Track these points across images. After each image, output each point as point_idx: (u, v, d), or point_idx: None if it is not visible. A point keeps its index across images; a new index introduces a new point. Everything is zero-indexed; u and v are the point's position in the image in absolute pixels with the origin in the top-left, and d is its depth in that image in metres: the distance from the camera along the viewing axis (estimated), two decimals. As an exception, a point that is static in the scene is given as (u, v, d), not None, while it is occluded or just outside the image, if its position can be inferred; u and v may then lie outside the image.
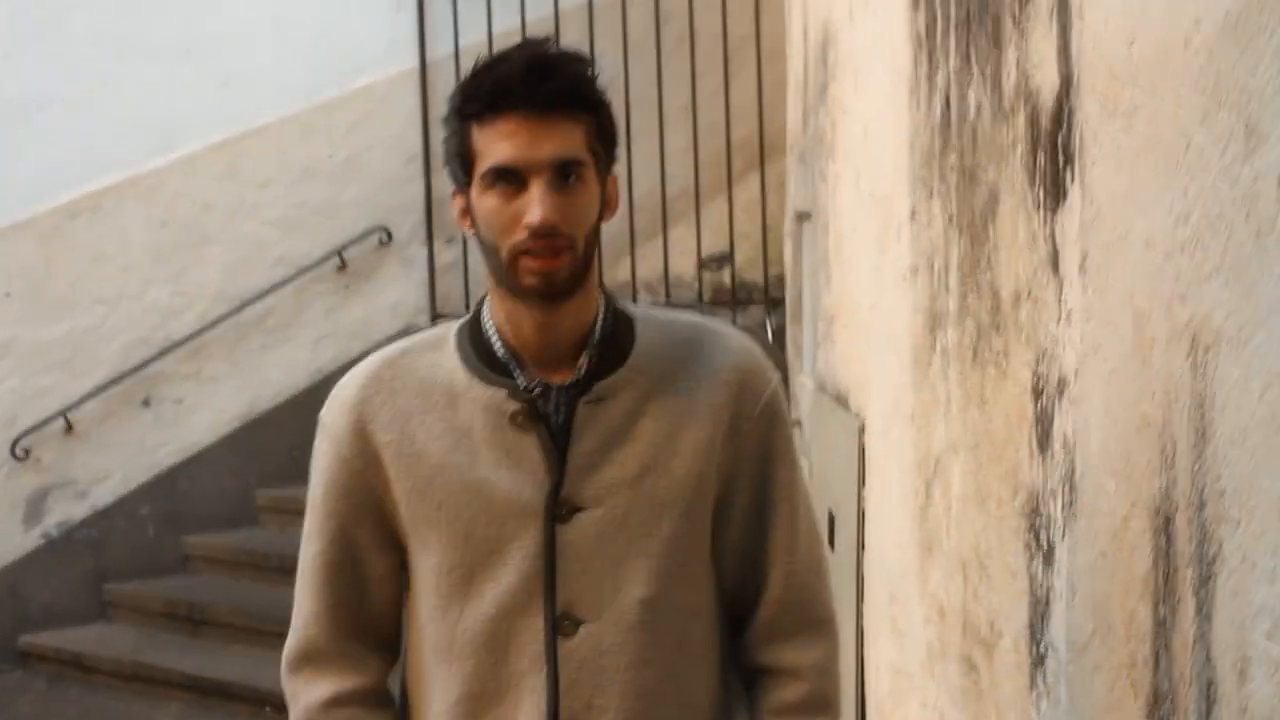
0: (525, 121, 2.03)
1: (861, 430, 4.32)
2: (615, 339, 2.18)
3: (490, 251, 2.10)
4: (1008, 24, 2.56)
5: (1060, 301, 2.29)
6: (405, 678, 2.30)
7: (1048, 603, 2.41)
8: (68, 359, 7.78)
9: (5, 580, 7.75)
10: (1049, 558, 2.39)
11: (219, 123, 7.98)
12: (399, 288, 8.36)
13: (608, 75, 2.09)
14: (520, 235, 2.04)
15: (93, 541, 7.89)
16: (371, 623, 2.27)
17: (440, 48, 8.14)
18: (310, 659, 2.26)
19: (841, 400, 4.75)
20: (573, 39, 7.62)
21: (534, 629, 2.14)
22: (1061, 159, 2.27)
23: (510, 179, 2.04)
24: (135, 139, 7.82)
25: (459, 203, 2.14)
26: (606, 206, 2.15)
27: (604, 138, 2.12)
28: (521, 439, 2.14)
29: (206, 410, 8.05)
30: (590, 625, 2.14)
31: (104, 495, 7.89)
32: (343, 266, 8.17)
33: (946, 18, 3.05)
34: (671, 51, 8.08)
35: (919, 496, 3.40)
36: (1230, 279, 1.66)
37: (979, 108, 2.78)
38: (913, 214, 3.43)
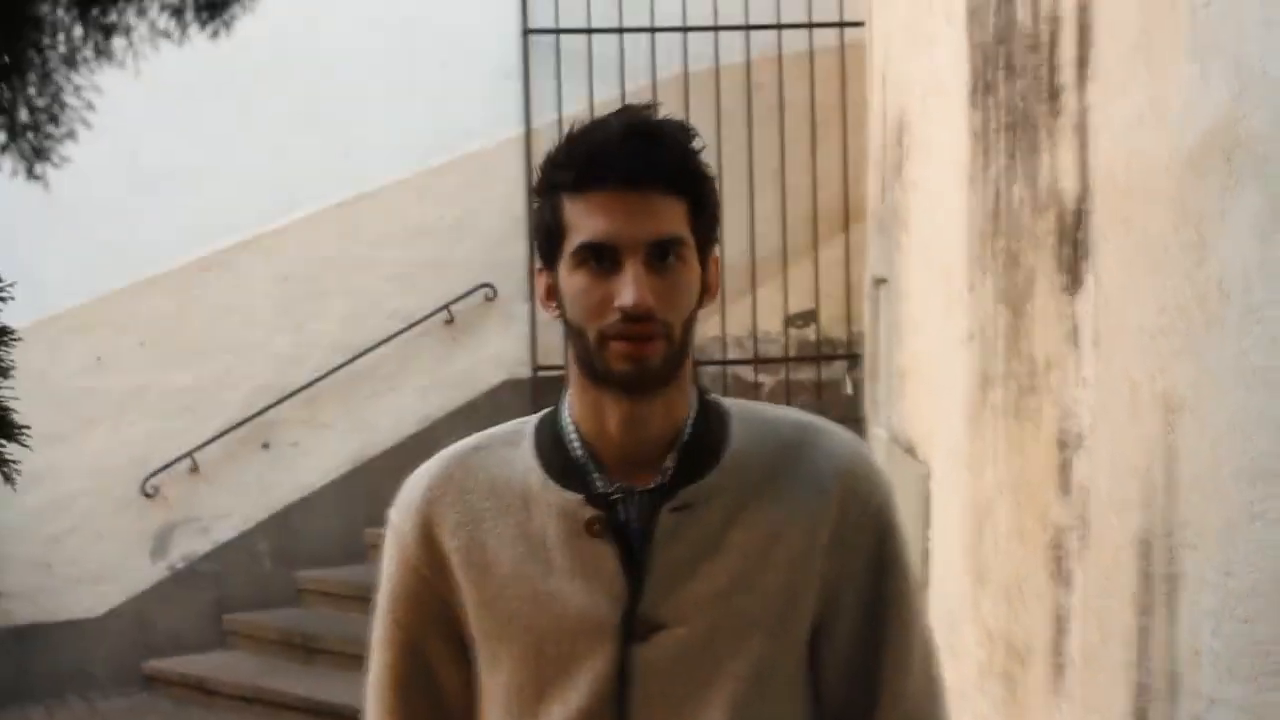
0: (622, 195, 1.82)
1: (927, 477, 4.78)
2: (707, 439, 1.94)
3: (576, 335, 1.87)
4: (1043, 135, 3.05)
5: (1078, 369, 2.78)
6: None
7: (1067, 620, 2.88)
8: (195, 404, 8.30)
9: (133, 609, 8.29)
10: (1068, 583, 2.87)
11: (338, 186, 8.51)
12: (502, 341, 8.81)
13: (701, 142, 1.91)
14: (611, 318, 1.82)
15: (214, 574, 8.41)
16: None
17: (544, 116, 8.65)
18: None
19: (910, 450, 5.21)
20: (669, 107, 8.10)
21: None
22: (1080, 252, 2.75)
23: (603, 256, 1.82)
24: (260, 201, 8.37)
25: (544, 280, 1.92)
26: (706, 291, 1.91)
27: (706, 216, 1.89)
28: (598, 549, 1.91)
29: (320, 454, 8.55)
30: None
31: (225, 531, 8.42)
32: (450, 321, 8.66)
33: (998, 120, 3.54)
34: (762, 120, 8.60)
35: (972, 534, 3.88)
36: (1190, 358, 2.14)
37: (1021, 201, 3.26)
38: (970, 287, 3.91)
